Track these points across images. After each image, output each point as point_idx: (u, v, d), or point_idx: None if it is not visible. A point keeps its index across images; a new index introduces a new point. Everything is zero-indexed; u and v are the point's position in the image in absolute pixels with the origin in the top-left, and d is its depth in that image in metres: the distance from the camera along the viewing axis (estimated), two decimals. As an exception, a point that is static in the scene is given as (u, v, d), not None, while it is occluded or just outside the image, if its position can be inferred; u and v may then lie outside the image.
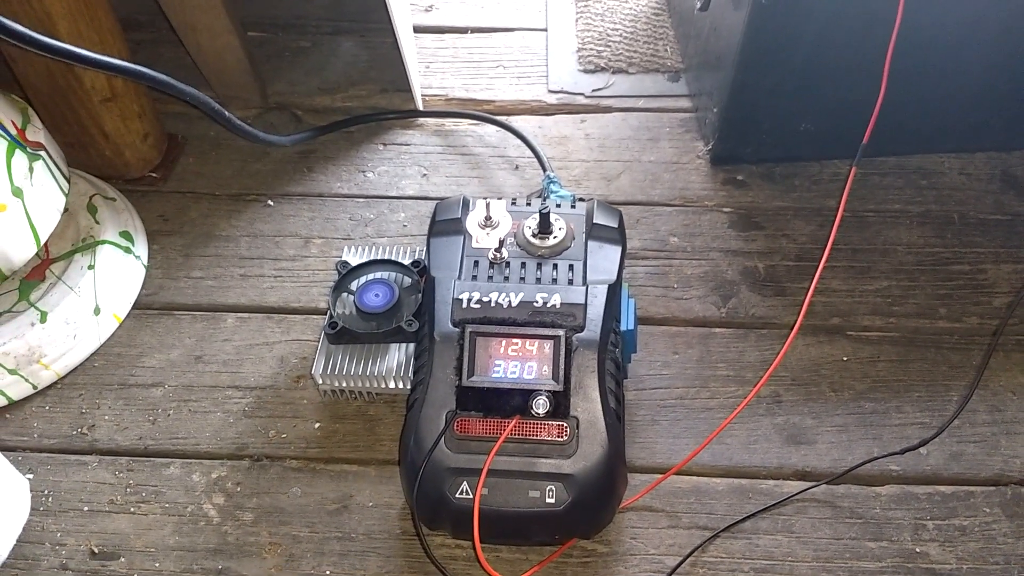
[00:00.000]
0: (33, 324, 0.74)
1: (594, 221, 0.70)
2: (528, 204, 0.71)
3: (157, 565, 0.66)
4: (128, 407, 0.75)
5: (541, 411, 0.60)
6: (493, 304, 0.65)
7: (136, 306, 0.81)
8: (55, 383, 0.76)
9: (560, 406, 0.61)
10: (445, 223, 0.71)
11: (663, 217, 0.86)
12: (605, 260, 0.68)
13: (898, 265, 0.82)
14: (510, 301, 0.65)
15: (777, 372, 0.75)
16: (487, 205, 0.70)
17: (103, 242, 0.80)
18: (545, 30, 1.04)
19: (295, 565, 0.66)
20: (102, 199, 0.83)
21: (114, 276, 0.80)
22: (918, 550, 0.65)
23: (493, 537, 0.65)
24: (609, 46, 1.00)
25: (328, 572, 0.65)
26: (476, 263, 0.68)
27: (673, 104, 0.96)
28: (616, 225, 0.70)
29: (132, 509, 0.69)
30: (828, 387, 0.74)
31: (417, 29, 1.04)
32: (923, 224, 0.84)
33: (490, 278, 0.66)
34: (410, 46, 0.94)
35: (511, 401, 0.61)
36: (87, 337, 0.77)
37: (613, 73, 0.99)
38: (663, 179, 0.89)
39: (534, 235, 0.69)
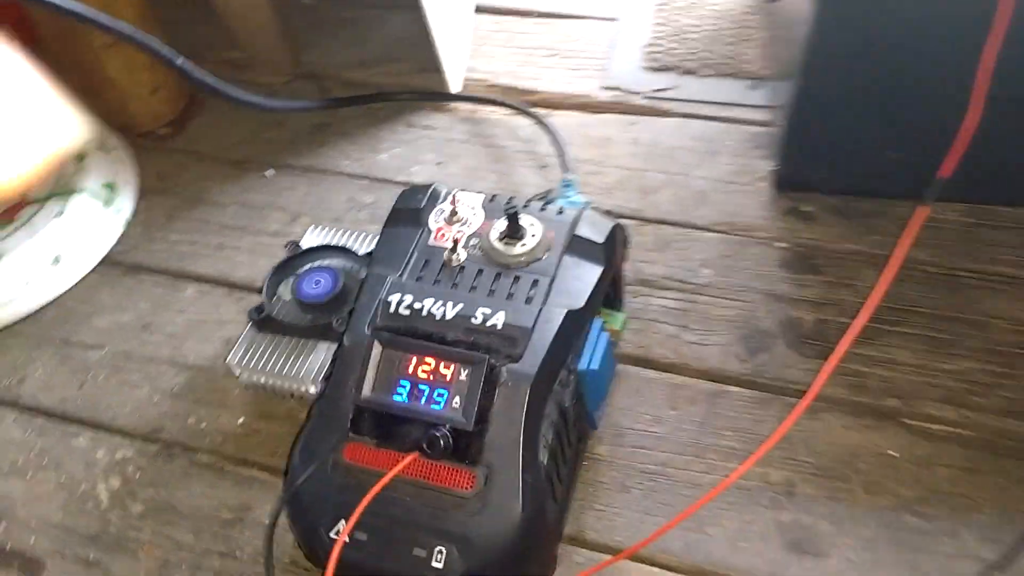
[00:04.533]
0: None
1: (575, 232, 0.57)
2: (510, 203, 0.59)
3: (32, 540, 0.60)
4: (62, 366, 0.69)
5: (435, 450, 0.48)
6: (424, 313, 0.53)
7: (104, 261, 0.76)
8: (4, 335, 0.72)
9: (467, 449, 0.49)
10: (405, 212, 0.60)
11: (700, 244, 0.71)
12: (577, 281, 0.55)
13: (992, 344, 0.63)
14: (444, 313, 0.53)
15: (798, 455, 0.59)
16: (454, 197, 0.59)
17: (80, 191, 0.75)
18: (615, 20, 0.91)
19: (167, 574, 0.57)
20: (95, 148, 0.79)
21: (84, 227, 0.74)
22: None
23: None
24: (684, 43, 0.86)
25: (193, 594, 0.56)
26: (426, 263, 0.56)
27: (745, 115, 0.80)
28: (601, 240, 0.56)
29: (29, 475, 0.63)
30: (862, 487, 0.57)
31: (479, 9, 0.94)
32: (1037, 297, 0.65)
33: (436, 283, 0.55)
34: (457, 24, 0.85)
35: (409, 432, 0.49)
36: (41, 286, 0.72)
37: (682, 74, 0.85)
38: (711, 199, 0.74)
39: (500, 239, 0.57)
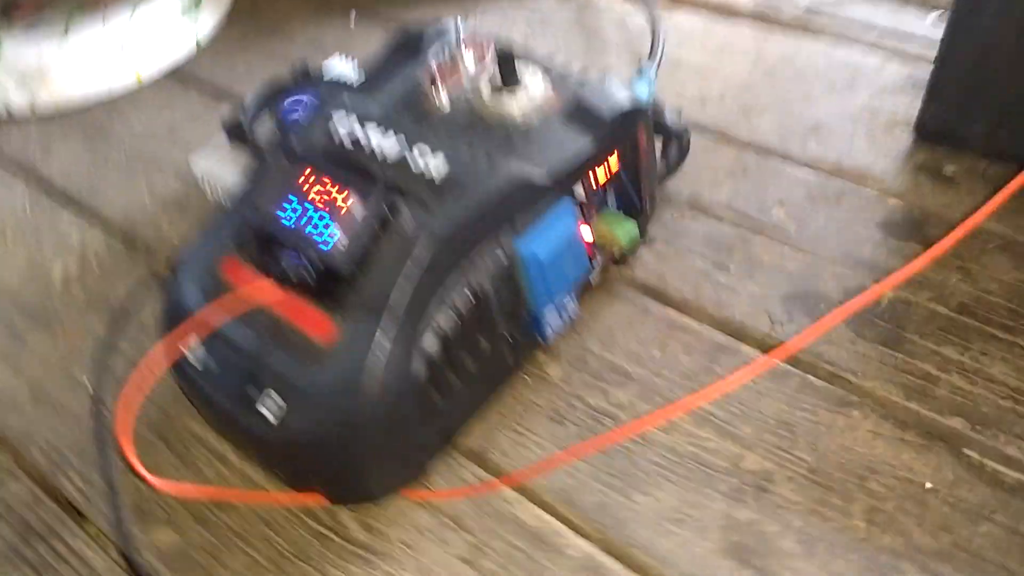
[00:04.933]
0: (56, 43, 0.70)
1: (580, 99, 0.45)
2: (505, 48, 0.47)
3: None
4: (87, 153, 0.68)
5: (292, 282, 0.39)
6: (361, 142, 0.44)
7: (165, 68, 0.75)
8: (52, 113, 0.73)
9: (333, 293, 0.40)
10: (409, 42, 0.51)
11: (787, 179, 0.56)
12: (552, 150, 0.43)
13: None
14: (382, 149, 0.44)
15: (794, 448, 0.43)
16: (463, 41, 0.48)
17: (165, -8, 0.74)
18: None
19: (69, 360, 0.53)
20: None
21: (156, 29, 0.73)
22: None
23: (214, 427, 0.47)
24: (869, -43, 0.69)
25: None
26: (403, 99, 0.47)
27: (917, 50, 0.62)
28: (606, 116, 0.44)
29: (8, 239, 0.63)
30: (864, 512, 0.40)
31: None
32: None
33: (398, 119, 0.46)
34: None
35: (281, 257, 0.41)
36: (99, 75, 0.72)
37: (855, -7, 0.68)
38: (827, 133, 0.58)
39: (490, 87, 0.46)
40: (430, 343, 0.40)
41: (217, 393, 0.41)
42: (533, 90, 0.46)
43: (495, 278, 0.42)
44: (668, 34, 0.68)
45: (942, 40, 0.51)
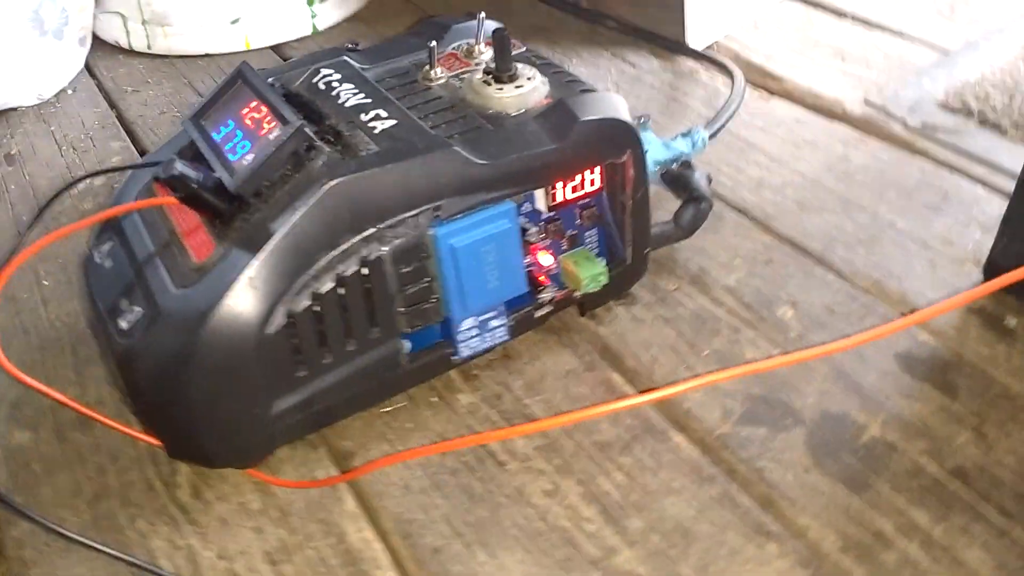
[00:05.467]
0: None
1: (563, 102, 0.41)
2: (502, 31, 0.43)
3: None
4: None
5: (178, 191, 0.37)
6: (332, 93, 0.43)
7: (275, 47, 0.78)
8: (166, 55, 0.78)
9: (221, 215, 0.37)
10: (433, 30, 0.49)
11: (811, 283, 0.48)
12: (506, 145, 0.39)
13: None
14: (344, 99, 0.42)
15: (679, 559, 0.35)
16: (499, 39, 0.46)
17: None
18: (946, 51, 0.67)
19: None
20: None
21: (272, 9, 0.77)
22: None
23: (91, 329, 0.46)
24: (1017, 98, 0.60)
25: None
26: (400, 73, 0.46)
27: (1024, 191, 0.53)
28: (581, 125, 0.40)
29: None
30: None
31: (800, -3, 0.77)
32: None
33: (379, 84, 0.44)
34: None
35: (193, 165, 0.39)
36: (203, 39, 0.76)
37: (980, 123, 0.59)
38: (877, 251, 0.50)
39: (483, 75, 0.43)
40: (302, 303, 0.37)
41: (97, 299, 0.40)
42: (526, 86, 0.42)
43: (401, 256, 0.38)
44: (754, 118, 0.62)
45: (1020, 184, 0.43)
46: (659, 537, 0.36)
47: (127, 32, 0.78)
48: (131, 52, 0.79)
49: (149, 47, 0.77)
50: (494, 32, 0.42)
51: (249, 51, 0.77)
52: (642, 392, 0.42)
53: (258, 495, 0.40)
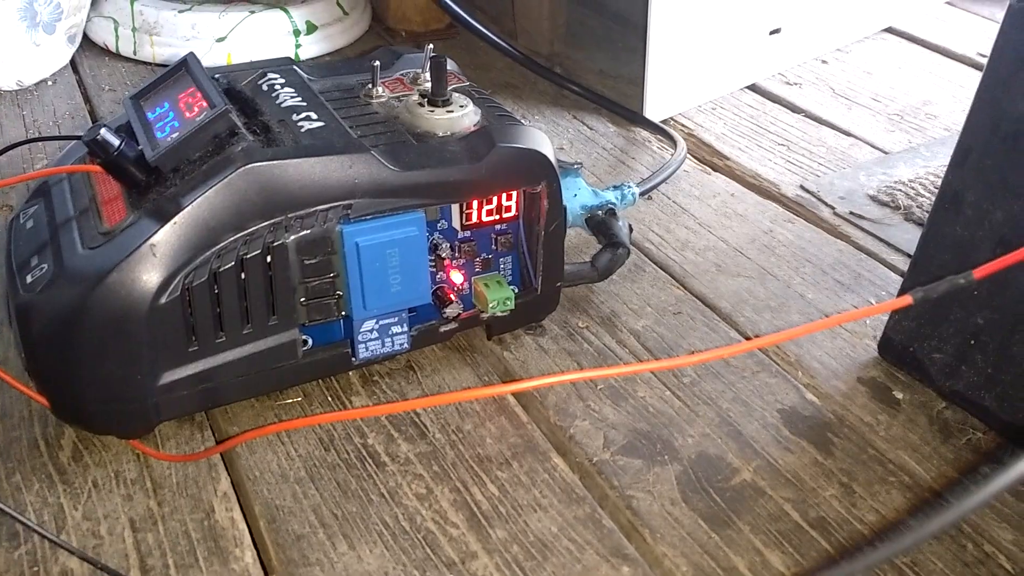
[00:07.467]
0: (175, 14, 0.79)
1: (486, 129, 0.44)
2: (439, 57, 0.46)
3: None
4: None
5: (98, 157, 0.39)
6: (267, 88, 0.45)
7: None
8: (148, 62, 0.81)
9: (136, 184, 0.39)
10: (388, 55, 0.52)
11: (711, 339, 0.49)
12: (423, 158, 0.42)
13: None
14: (282, 100, 0.44)
15: (535, 571, 0.35)
16: (435, 64, 0.48)
17: (281, 8, 0.81)
18: (885, 152, 0.71)
19: None
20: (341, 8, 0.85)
21: (257, 37, 0.80)
22: None
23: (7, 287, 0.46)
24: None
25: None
26: (344, 88, 0.48)
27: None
28: (496, 150, 0.42)
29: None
30: None
31: (754, 88, 0.81)
32: None
33: (321, 95, 0.46)
34: (686, 71, 0.74)
35: (120, 136, 0.41)
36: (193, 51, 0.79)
37: (907, 218, 0.62)
38: (781, 316, 0.51)
39: (418, 97, 0.46)
40: (201, 279, 0.38)
41: (15, 253, 0.41)
42: (457, 112, 0.45)
43: (306, 247, 0.40)
44: (693, 187, 0.65)
45: (919, 241, 0.45)
46: (519, 548, 0.37)
47: (116, 37, 0.81)
48: (117, 56, 0.82)
49: (135, 53, 0.80)
50: (432, 59, 0.45)
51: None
52: (505, 383, 0.45)
53: (135, 465, 0.40)
